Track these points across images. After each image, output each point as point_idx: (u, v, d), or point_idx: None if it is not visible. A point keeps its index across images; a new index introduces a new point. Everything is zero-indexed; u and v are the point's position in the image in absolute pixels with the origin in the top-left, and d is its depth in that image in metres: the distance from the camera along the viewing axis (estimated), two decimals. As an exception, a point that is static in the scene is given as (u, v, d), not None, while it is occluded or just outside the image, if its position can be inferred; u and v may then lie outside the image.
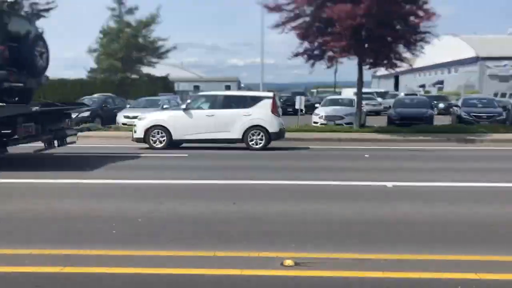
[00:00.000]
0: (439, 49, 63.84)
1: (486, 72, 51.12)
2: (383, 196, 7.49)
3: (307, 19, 16.96)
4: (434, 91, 61.66)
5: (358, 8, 14.50)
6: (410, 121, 19.42)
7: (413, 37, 16.27)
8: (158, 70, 41.46)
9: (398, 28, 16.15)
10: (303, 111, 20.67)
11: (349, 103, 20.97)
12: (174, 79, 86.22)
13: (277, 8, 16.73)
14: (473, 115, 19.60)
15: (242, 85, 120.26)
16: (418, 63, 73.94)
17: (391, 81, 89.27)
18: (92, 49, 34.93)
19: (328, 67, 18.51)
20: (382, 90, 46.30)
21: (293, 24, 17.12)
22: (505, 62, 49.43)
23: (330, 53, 17.12)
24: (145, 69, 36.70)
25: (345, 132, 17.65)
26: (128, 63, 34.51)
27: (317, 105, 23.57)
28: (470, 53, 53.09)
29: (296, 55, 18.07)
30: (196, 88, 79.47)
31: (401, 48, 16.97)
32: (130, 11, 34.59)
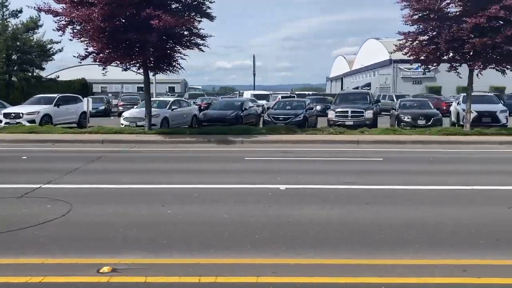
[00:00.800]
0: (369, 52, 65.09)
1: (399, 74, 51.92)
2: None
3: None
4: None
5: (93, 11, 14.83)
6: (214, 122, 19.92)
7: (176, 41, 16.72)
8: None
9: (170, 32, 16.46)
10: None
11: (163, 105, 21.27)
12: (119, 80, 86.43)
13: (52, 12, 16.96)
14: (272, 117, 20.04)
15: (199, 86, 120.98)
16: (355, 65, 75.00)
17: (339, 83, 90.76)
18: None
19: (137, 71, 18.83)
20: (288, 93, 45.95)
21: (77, 27, 17.42)
22: (417, 64, 50.06)
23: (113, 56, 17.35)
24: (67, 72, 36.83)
25: (128, 134, 17.92)
26: (12, 65, 34.64)
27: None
28: (386, 56, 53.91)
29: (83, 58, 18.34)
30: (140, 89, 79.96)
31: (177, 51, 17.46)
32: (14, 14, 34.74)
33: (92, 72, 63.86)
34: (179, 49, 17.49)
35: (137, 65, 17.32)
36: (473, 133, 17.64)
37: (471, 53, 17.12)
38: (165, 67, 17.78)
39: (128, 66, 18.43)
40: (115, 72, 76.28)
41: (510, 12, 15.61)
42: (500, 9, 15.58)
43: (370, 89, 62.19)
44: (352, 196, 7.80)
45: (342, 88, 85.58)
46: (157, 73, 18.21)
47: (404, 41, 19.02)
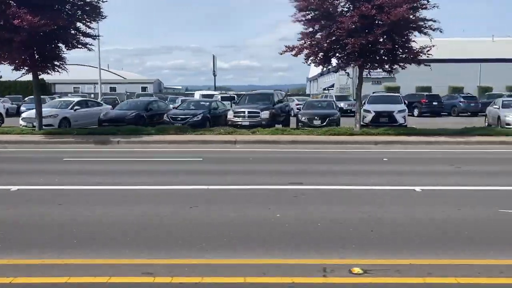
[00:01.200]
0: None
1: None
2: None
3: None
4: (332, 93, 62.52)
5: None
6: (112, 122, 19.85)
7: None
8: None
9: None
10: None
11: (66, 105, 21.15)
12: (92, 81, 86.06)
13: None
14: (171, 117, 19.93)
15: (179, 87, 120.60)
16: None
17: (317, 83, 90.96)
18: None
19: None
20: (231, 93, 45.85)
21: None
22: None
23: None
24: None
25: (15, 134, 17.79)
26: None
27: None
28: (346, 56, 53.78)
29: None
30: (112, 89, 79.83)
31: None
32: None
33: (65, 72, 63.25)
34: (62, 49, 17.39)
35: (15, 63, 17.09)
36: (360, 133, 17.56)
37: (355, 53, 17.04)
38: (50, 66, 17.66)
39: (16, 66, 18.24)
40: (91, 72, 75.27)
41: (381, 11, 15.54)
42: (371, 8, 15.52)
43: (333, 89, 62.17)
44: (74, 195, 7.83)
45: (317, 89, 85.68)
46: (41, 73, 18.04)
47: (302, 41, 18.92)
